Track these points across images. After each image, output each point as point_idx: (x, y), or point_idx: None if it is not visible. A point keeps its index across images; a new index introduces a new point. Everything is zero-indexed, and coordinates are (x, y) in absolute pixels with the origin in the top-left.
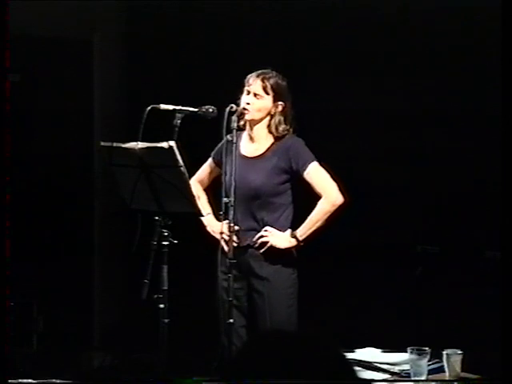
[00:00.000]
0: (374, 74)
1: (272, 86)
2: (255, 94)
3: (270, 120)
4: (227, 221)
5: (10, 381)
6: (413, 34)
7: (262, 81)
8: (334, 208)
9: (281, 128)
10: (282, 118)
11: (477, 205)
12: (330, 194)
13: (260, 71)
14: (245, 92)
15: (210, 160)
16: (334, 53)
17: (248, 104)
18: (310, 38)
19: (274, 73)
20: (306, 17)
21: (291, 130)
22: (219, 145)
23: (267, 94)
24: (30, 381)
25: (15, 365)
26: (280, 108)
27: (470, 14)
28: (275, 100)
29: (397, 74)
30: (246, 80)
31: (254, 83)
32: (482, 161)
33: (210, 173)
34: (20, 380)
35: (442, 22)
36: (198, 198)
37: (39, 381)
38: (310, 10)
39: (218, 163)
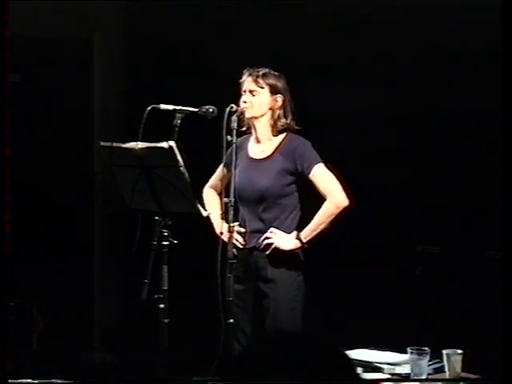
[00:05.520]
0: (374, 75)
1: (264, 79)
2: (250, 91)
3: (272, 116)
4: (237, 222)
5: (10, 381)
6: (413, 34)
7: (253, 76)
8: (339, 210)
9: (280, 122)
10: (282, 113)
11: (477, 205)
12: (334, 196)
13: (249, 68)
14: (242, 93)
15: (221, 166)
16: (335, 53)
17: (245, 102)
18: (310, 39)
19: (264, 68)
20: (307, 17)
21: (292, 123)
22: (229, 149)
23: (262, 87)
24: (30, 381)
25: (15, 365)
26: (280, 102)
27: (470, 14)
28: (272, 93)
29: (397, 74)
30: (240, 82)
31: (246, 81)
32: (481, 161)
33: (222, 178)
34: (20, 380)
35: (442, 22)
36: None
37: (39, 381)
38: (310, 10)
39: (228, 167)
